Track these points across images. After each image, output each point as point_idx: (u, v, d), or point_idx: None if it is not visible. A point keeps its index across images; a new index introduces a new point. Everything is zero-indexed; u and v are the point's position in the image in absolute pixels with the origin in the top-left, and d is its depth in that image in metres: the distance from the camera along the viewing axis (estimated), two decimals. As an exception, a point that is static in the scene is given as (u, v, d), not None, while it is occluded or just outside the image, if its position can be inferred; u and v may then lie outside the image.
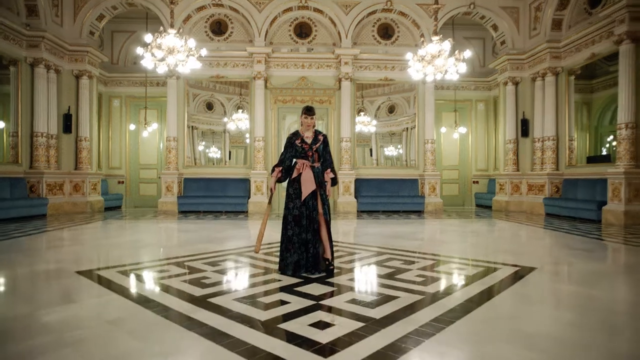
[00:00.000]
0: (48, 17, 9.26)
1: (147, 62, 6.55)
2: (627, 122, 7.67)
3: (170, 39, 6.33)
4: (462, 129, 12.49)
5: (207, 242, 5.64)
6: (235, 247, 5.28)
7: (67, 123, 9.97)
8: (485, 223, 8.44)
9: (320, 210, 3.65)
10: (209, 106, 11.70)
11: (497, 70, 11.47)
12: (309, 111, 3.70)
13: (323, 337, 2.15)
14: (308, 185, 3.62)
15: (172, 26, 6.64)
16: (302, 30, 10.94)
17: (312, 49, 10.92)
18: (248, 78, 10.77)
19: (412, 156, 11.41)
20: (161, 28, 6.55)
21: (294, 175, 3.71)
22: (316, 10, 10.60)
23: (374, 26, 11.03)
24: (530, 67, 10.51)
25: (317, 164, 3.72)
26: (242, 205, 10.41)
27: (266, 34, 10.52)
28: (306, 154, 3.69)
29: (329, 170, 3.76)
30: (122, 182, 12.57)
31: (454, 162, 13.14)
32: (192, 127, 11.39)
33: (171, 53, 6.34)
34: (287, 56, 10.74)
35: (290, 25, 10.93)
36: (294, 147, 3.73)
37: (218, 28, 10.81)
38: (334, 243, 3.80)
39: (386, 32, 11.05)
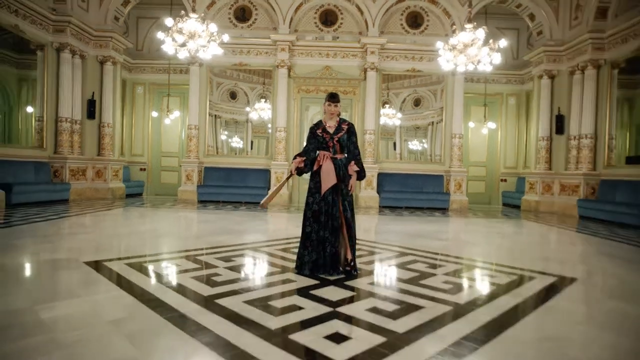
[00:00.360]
0: (74, 1, 9.24)
1: (168, 47, 6.39)
2: (676, 121, 7.07)
3: (192, 23, 6.14)
4: (492, 124, 11.95)
5: (224, 233, 5.47)
6: (253, 241, 5.08)
7: (91, 109, 9.99)
8: (514, 224, 8.01)
9: (341, 207, 3.39)
10: (233, 95, 11.59)
11: (531, 62, 10.86)
12: (332, 98, 3.42)
13: (339, 353, 1.91)
14: (328, 179, 3.36)
15: (193, 10, 6.44)
16: (328, 18, 10.61)
17: (338, 38, 10.58)
18: (271, 66, 10.55)
19: (437, 151, 11.02)
20: (182, 12, 6.37)
21: (315, 167, 3.46)
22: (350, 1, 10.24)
23: (402, 14, 10.59)
24: (568, 60, 9.89)
25: (339, 156, 3.43)
26: (261, 196, 10.23)
27: (290, 22, 10.24)
28: (327, 144, 3.43)
29: (352, 162, 3.45)
30: (144, 170, 12.62)
31: (481, 159, 12.63)
32: (215, 116, 11.30)
33: (192, 38, 6.15)
34: (311, 44, 10.44)
35: (315, 13, 10.61)
36: (316, 138, 3.48)
37: (242, 15, 10.60)
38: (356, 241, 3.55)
39: (415, 20, 10.60)
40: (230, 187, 10.25)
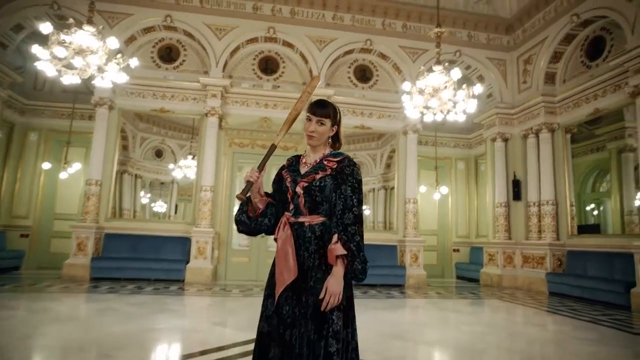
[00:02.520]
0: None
1: (46, 67, 4.56)
2: (653, 186, 6.44)
3: (83, 36, 4.44)
4: (444, 189, 11.10)
5: (82, 352, 3.40)
6: None
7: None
8: (494, 307, 6.68)
9: (312, 332, 1.66)
10: (158, 153, 9.85)
11: (481, 125, 10.38)
12: (316, 107, 1.85)
13: None
14: (282, 269, 1.75)
15: (90, 22, 4.76)
16: (268, 65, 9.44)
17: (279, 87, 9.37)
18: (199, 114, 8.93)
19: (380, 218, 10.05)
20: (71, 20, 4.67)
21: (275, 235, 1.88)
22: (286, 43, 9.20)
23: (350, 67, 9.75)
24: (520, 123, 9.46)
25: (309, 219, 1.80)
26: (178, 272, 8.07)
27: (225, 66, 8.90)
28: (285, 197, 1.89)
29: (335, 236, 1.71)
30: (26, 236, 9.86)
31: (432, 227, 11.58)
32: (136, 175, 9.43)
33: (81, 54, 4.42)
34: (248, 92, 9.08)
35: (254, 59, 9.42)
36: (279, 183, 1.97)
37: (168, 54, 9.09)
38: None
39: (364, 74, 9.78)
40: (138, 260, 7.98)
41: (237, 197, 1.81)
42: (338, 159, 1.84)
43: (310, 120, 1.84)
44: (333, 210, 1.78)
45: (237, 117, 9.07)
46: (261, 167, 1.86)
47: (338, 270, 1.68)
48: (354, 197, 1.75)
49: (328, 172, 1.80)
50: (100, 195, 8.29)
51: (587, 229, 8.46)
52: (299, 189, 1.80)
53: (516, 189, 9.32)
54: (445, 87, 5.10)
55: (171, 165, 9.70)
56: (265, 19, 8.95)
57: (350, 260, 1.68)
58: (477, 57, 9.64)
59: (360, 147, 10.33)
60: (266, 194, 1.94)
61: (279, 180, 1.95)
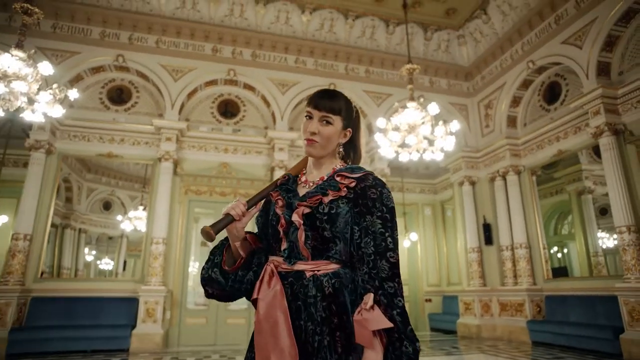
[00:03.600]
0: None
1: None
2: (628, 225, 6.32)
3: (8, 59, 3.75)
4: (414, 235, 10.71)
5: None
6: None
7: None
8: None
9: None
10: (107, 205, 8.89)
11: (446, 170, 10.30)
12: (321, 97, 1.32)
13: None
14: (267, 354, 1.08)
15: (19, 46, 4.07)
16: (228, 109, 8.97)
17: (239, 131, 8.86)
18: (152, 159, 8.17)
19: None
20: (-5, 42, 3.99)
21: (254, 295, 1.22)
22: (247, 86, 8.84)
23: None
24: (486, 167, 9.42)
25: (311, 266, 1.18)
26: (122, 339, 6.89)
27: (181, 108, 8.33)
28: (275, 232, 1.26)
29: (371, 297, 1.09)
30: None
31: (403, 276, 11.01)
32: (80, 230, 8.38)
33: (4, 80, 3.70)
34: (206, 136, 8.49)
35: (213, 102, 8.93)
36: (266, 209, 1.34)
37: (118, 96, 8.42)
38: None
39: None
40: (72, 328, 6.75)
41: (203, 231, 1.16)
42: (358, 174, 1.24)
43: (310, 117, 1.28)
44: (352, 253, 1.17)
45: (194, 162, 8.39)
46: (253, 203, 1.25)
47: (377, 343, 1.04)
48: (386, 233, 1.15)
49: (343, 194, 1.20)
50: (30, 252, 7.11)
51: (557, 272, 8.26)
52: (296, 218, 1.18)
53: (487, 233, 9.08)
54: (423, 122, 4.82)
55: (120, 217, 8.71)
56: (225, 61, 8.61)
57: (397, 340, 1.05)
58: (439, 102, 9.68)
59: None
60: (250, 235, 1.32)
61: (266, 209, 1.32)
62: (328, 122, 1.28)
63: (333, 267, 1.18)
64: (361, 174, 1.24)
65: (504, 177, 8.93)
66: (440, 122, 5.30)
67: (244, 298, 1.28)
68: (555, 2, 7.60)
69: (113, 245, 8.92)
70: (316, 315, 1.10)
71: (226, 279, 1.25)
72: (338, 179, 1.23)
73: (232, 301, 1.33)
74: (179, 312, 7.76)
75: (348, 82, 9.18)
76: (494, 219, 9.04)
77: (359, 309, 1.08)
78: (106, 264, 8.86)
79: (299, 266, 1.17)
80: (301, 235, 1.17)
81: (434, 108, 4.89)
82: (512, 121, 9.01)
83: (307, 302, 1.12)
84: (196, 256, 9.08)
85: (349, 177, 1.23)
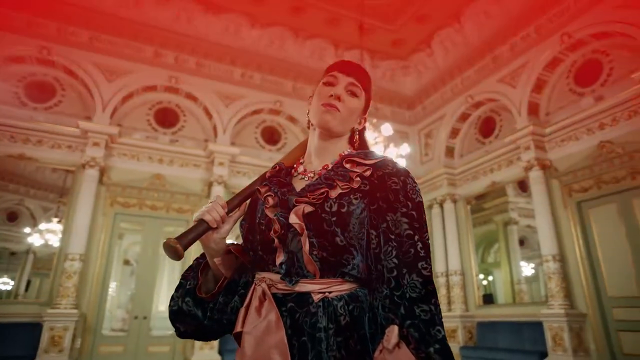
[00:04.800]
0: None
1: None
2: (553, 254, 6.71)
3: None
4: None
5: None
6: None
7: None
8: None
9: None
10: (12, 217, 7.75)
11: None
12: (351, 66, 1.06)
13: None
14: None
15: None
16: (167, 117, 8.40)
17: (177, 141, 8.30)
18: (74, 165, 7.32)
19: None
20: None
21: (237, 329, 0.84)
22: (189, 96, 8.37)
23: (257, 127, 9.19)
24: (424, 194, 9.67)
25: (320, 285, 0.87)
26: (17, 372, 5.88)
27: (114, 112, 7.64)
28: (263, 236, 0.95)
29: (396, 331, 0.81)
30: None
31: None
32: None
33: None
34: (140, 144, 7.83)
35: (150, 109, 8.31)
36: (254, 215, 1.02)
37: (39, 92, 7.51)
38: None
39: (272, 136, 9.28)
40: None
41: (167, 245, 0.84)
42: (373, 160, 0.99)
43: (334, 81, 1.02)
44: (370, 268, 0.90)
45: (124, 171, 7.66)
46: (235, 204, 0.98)
47: None
48: (415, 236, 0.90)
49: (355, 186, 0.94)
50: None
51: (485, 299, 8.57)
52: (295, 219, 0.89)
53: (423, 259, 9.22)
54: (376, 142, 4.77)
55: (28, 229, 7.63)
56: (168, 67, 8.12)
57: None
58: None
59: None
60: (236, 246, 1.00)
61: (251, 210, 1.03)
62: (354, 94, 1.04)
63: (348, 287, 0.91)
64: (378, 160, 1.00)
65: (441, 205, 9.22)
66: (392, 144, 5.31)
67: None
68: (493, 43, 8.15)
69: (15, 261, 7.77)
70: (328, 356, 0.81)
71: (204, 310, 0.94)
72: (348, 165, 0.98)
73: (212, 340, 1.01)
74: (92, 339, 6.84)
75: (295, 100, 9.06)
76: (432, 246, 9.22)
77: (379, 347, 0.82)
78: (4, 283, 7.67)
79: (304, 286, 0.88)
80: (305, 243, 0.88)
81: (387, 129, 4.89)
82: (450, 151, 9.40)
83: (316, 337, 0.82)
84: (117, 276, 8.19)
85: (362, 164, 0.98)
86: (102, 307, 7.06)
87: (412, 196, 0.95)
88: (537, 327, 6.76)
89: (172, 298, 0.99)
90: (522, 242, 8.47)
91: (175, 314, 0.97)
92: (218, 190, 7.96)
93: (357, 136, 1.09)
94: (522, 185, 8.11)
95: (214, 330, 0.97)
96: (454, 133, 9.30)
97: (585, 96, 6.94)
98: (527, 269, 8.25)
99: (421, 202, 0.97)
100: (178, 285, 1.00)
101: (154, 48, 8.06)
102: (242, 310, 0.89)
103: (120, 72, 7.75)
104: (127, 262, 8.58)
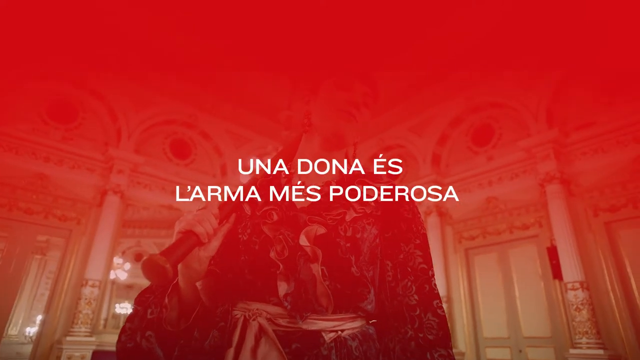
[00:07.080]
0: None
1: None
2: (441, 295, 7.22)
3: None
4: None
5: None
6: None
7: None
8: None
9: None
10: None
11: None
12: (365, 73, 0.96)
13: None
14: None
15: None
16: (63, 112, 7.44)
17: (71, 140, 7.36)
18: None
19: None
20: None
21: None
22: (93, 92, 7.55)
23: (167, 138, 8.60)
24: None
25: (334, 323, 0.73)
26: None
27: (-5, 96, 6.54)
28: (259, 263, 0.77)
29: None
30: None
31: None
32: None
33: None
34: (24, 137, 6.76)
35: (42, 100, 7.29)
36: (236, 227, 0.84)
37: None
38: None
39: (180, 150, 8.74)
40: None
41: (150, 264, 0.64)
42: (386, 184, 0.94)
43: (350, 87, 0.93)
44: (384, 303, 0.81)
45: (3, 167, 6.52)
46: (224, 215, 0.82)
47: None
48: (429, 271, 0.84)
49: (369, 211, 0.86)
50: None
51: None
52: (305, 242, 0.77)
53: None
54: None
55: None
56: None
57: None
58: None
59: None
60: (215, 262, 0.83)
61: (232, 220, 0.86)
62: (366, 105, 0.97)
63: (359, 323, 0.80)
64: (390, 184, 0.93)
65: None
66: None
67: None
68: (409, 92, 8.80)
69: None
70: None
71: (169, 348, 0.73)
72: (359, 187, 0.89)
73: None
74: None
75: (212, 117, 8.73)
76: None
77: None
78: None
79: (313, 323, 0.74)
80: (316, 274, 0.76)
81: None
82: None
83: None
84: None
85: (373, 186, 0.89)
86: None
87: (421, 228, 0.90)
88: None
89: (124, 331, 0.77)
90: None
91: (127, 354, 0.74)
92: (113, 202, 7.18)
93: (354, 150, 1.02)
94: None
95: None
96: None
97: (479, 155, 7.80)
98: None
99: (426, 235, 0.92)
100: (132, 314, 0.78)
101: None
102: (231, 352, 0.72)
103: (11, 52, 6.71)
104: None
